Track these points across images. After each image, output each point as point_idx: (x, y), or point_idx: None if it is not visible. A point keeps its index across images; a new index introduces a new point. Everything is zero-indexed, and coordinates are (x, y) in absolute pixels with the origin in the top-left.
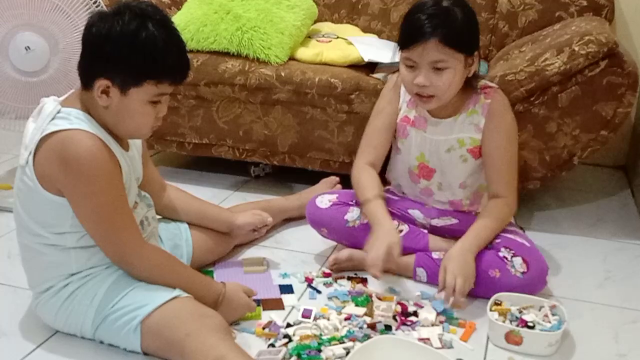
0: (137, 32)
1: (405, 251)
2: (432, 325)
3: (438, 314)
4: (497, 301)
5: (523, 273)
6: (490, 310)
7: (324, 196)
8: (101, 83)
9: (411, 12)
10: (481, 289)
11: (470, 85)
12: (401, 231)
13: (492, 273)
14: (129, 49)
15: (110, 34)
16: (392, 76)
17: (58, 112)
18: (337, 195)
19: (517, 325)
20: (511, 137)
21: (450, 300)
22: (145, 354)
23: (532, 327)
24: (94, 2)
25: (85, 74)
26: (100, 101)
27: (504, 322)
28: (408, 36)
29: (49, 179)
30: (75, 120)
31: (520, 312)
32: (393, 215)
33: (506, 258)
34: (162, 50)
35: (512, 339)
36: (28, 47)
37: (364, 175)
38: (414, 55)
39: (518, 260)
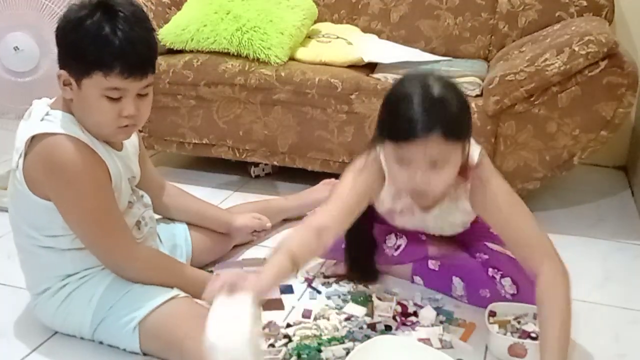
0: (84, 19)
1: (403, 263)
2: (432, 325)
3: (438, 314)
4: (491, 312)
5: (513, 295)
6: (489, 322)
7: None
8: (60, 73)
9: (399, 104)
10: (474, 303)
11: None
12: (399, 247)
13: (483, 293)
14: (74, 36)
15: (61, 22)
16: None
17: (46, 115)
18: None
19: (520, 337)
20: (510, 201)
21: None
22: (145, 354)
23: (535, 338)
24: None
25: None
26: (64, 93)
27: (505, 334)
28: (403, 131)
29: (36, 184)
30: (61, 123)
31: (519, 322)
32: (389, 229)
33: (495, 277)
34: (105, 39)
35: (515, 351)
36: (17, 47)
37: (299, 234)
38: (411, 153)
39: (507, 281)
